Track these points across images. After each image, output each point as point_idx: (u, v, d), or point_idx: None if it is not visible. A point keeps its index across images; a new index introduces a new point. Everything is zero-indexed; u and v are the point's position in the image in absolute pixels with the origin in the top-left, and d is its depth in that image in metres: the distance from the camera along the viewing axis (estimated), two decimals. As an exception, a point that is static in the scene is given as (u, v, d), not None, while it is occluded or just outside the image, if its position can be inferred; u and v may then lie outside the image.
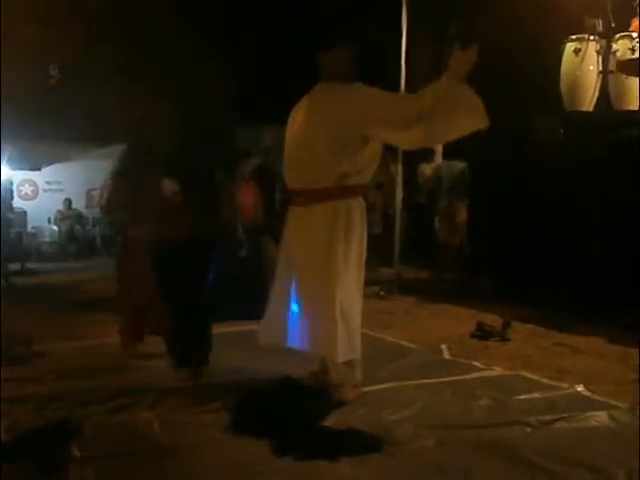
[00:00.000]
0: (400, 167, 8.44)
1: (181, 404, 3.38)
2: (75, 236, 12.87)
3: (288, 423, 3.00)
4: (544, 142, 6.40)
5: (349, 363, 3.33)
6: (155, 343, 4.08)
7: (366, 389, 3.47)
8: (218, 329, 4.02)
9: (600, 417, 3.18)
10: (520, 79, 6.74)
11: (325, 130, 3.23)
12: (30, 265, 10.41)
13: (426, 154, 9.23)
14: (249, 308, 4.06)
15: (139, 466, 2.70)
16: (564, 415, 3.18)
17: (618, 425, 3.10)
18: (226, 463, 2.70)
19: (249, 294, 4.57)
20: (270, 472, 2.62)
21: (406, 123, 3.11)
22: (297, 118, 3.41)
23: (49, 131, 10.90)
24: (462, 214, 8.07)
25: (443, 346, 4.57)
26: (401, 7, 7.09)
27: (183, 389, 3.64)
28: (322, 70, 3.35)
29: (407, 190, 8.89)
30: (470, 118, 3.07)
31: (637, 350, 4.25)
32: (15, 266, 9.41)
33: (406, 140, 3.34)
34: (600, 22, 5.86)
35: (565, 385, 3.68)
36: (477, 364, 4.16)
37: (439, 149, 9.17)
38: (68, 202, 12.86)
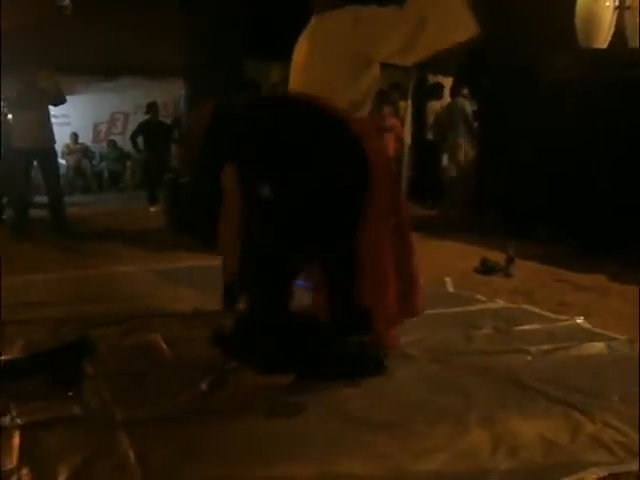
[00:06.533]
0: (410, 104, 8.39)
1: (186, 326, 3.53)
2: (82, 170, 12.88)
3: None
4: (556, 80, 6.32)
5: None
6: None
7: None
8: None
9: (598, 347, 3.25)
10: (534, 14, 6.61)
11: (327, 60, 3.11)
12: (38, 198, 10.45)
13: (436, 92, 9.16)
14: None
15: (149, 382, 2.82)
16: (563, 345, 3.26)
17: (616, 355, 3.17)
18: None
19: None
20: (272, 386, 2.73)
21: (406, 34, 2.93)
22: (298, 56, 3.29)
23: (54, 63, 10.74)
24: (470, 152, 8.07)
25: (447, 279, 4.64)
26: None
27: (187, 314, 3.77)
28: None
29: (416, 128, 8.85)
30: (459, 25, 2.77)
31: (637, 287, 4.32)
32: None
33: (406, 53, 3.11)
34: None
35: (565, 317, 3.75)
36: (480, 297, 4.23)
37: (448, 86, 9.09)
38: (75, 136, 12.82)
